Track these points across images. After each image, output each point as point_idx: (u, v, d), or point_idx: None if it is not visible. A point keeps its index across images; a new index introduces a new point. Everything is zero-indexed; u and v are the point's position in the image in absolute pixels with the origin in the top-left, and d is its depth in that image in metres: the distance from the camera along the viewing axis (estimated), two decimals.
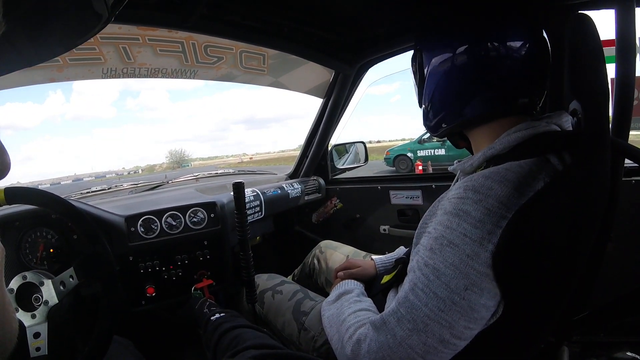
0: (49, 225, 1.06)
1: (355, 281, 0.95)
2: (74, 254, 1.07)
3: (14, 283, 0.74)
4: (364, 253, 1.28)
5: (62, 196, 0.84)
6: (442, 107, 0.76)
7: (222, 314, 0.84)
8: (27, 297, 0.74)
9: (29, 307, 0.74)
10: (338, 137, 1.78)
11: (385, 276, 0.93)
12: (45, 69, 1.18)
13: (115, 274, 0.77)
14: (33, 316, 0.73)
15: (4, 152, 0.26)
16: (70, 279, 0.75)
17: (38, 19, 0.25)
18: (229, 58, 1.40)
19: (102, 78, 1.30)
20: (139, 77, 1.35)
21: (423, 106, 0.81)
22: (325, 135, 1.70)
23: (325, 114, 1.67)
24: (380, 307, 0.83)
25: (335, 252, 1.31)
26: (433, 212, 0.70)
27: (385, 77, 2.09)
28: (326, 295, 1.06)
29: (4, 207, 1.02)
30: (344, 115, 1.73)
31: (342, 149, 1.90)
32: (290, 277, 1.43)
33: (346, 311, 0.79)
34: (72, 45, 0.30)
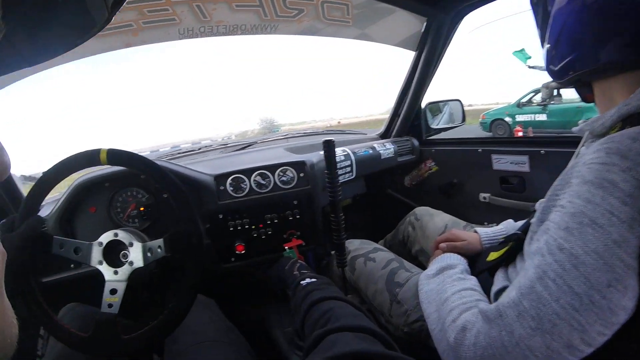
0: (138, 185, 1.11)
1: (459, 256, 0.85)
2: (164, 214, 1.12)
3: (104, 238, 0.76)
4: (464, 223, 1.16)
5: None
6: (572, 47, 0.59)
7: (313, 280, 0.79)
8: (115, 253, 0.77)
9: (114, 263, 0.76)
10: (430, 94, 1.60)
11: (492, 253, 0.81)
12: (119, 34, 1.21)
13: (203, 253, 0.76)
14: (115, 272, 0.75)
15: (3, 152, 0.26)
16: (159, 250, 0.76)
17: (37, 20, 0.25)
18: (310, 10, 1.31)
19: (179, 39, 1.31)
20: (217, 36, 1.33)
21: (546, 46, 0.64)
22: (418, 92, 1.54)
23: (418, 69, 1.50)
24: (485, 287, 0.73)
25: (432, 220, 1.21)
26: (566, 181, 0.56)
27: (483, 26, 1.81)
28: (420, 265, 0.98)
29: (96, 168, 1.12)
30: (438, 69, 1.55)
31: (436, 107, 1.71)
32: (381, 242, 1.37)
33: (449, 289, 0.71)
34: (73, 46, 0.31)
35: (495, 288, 0.71)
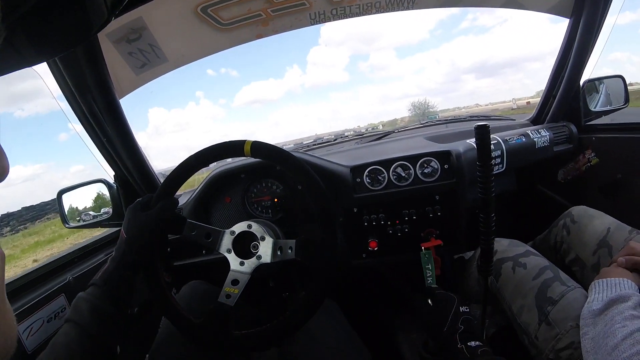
0: (274, 176, 1.10)
1: (633, 283, 0.73)
2: (299, 205, 1.09)
3: (238, 227, 0.75)
4: (628, 227, 0.95)
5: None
6: None
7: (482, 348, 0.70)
8: (245, 243, 0.74)
9: (242, 254, 0.73)
10: (592, 70, 1.31)
11: None
12: (249, 25, 1.17)
13: (336, 265, 0.69)
14: (241, 263, 0.72)
15: (3, 155, 0.26)
16: (289, 250, 0.72)
17: (37, 21, 0.25)
18: None
19: (311, 24, 1.25)
20: (351, 17, 1.24)
21: None
22: (577, 66, 1.28)
23: (576, 39, 1.25)
24: None
25: (592, 223, 1.00)
26: None
27: None
28: (574, 277, 0.88)
29: (233, 159, 1.10)
30: (598, 38, 1.26)
31: (592, 87, 1.40)
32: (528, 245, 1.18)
33: (618, 332, 0.62)
34: (73, 46, 0.33)
35: None
